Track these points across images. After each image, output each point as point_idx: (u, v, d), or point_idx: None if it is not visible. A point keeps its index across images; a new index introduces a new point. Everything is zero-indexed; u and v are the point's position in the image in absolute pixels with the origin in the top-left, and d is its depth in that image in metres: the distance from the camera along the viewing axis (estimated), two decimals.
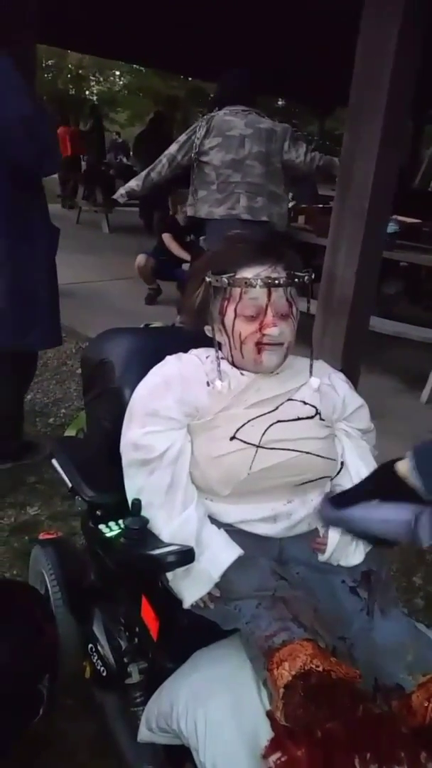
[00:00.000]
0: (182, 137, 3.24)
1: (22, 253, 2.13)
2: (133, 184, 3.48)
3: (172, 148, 3.26)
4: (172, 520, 1.05)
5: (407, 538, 0.85)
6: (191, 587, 1.02)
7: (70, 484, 1.28)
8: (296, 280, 1.10)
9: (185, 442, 1.10)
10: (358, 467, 1.16)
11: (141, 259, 4.95)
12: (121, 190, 3.62)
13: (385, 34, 2.16)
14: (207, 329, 1.17)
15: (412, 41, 2.20)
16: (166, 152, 3.28)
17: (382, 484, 0.90)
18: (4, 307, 2.12)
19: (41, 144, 2.00)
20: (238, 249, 1.14)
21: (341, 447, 1.19)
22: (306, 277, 1.11)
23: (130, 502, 1.05)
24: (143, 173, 3.41)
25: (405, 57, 2.19)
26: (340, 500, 0.94)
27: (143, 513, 1.04)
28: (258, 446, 1.07)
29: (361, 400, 1.26)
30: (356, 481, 1.13)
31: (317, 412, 1.14)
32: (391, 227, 3.82)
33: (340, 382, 1.24)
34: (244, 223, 3.15)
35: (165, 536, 1.03)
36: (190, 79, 15.24)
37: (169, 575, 1.03)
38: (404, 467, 0.86)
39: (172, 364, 1.16)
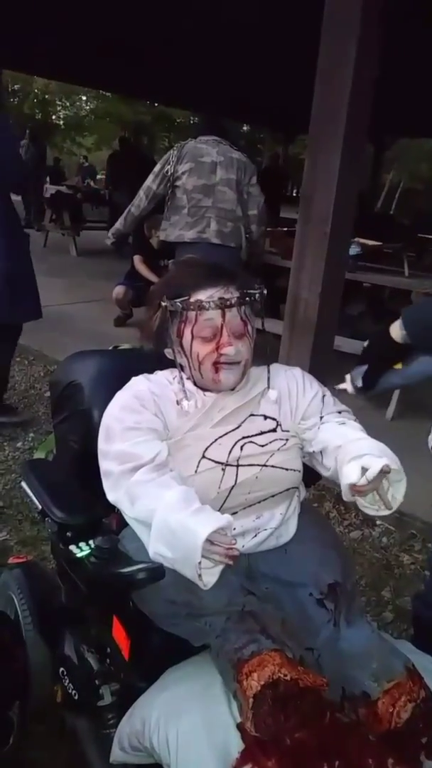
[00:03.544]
0: (156, 167, 3.32)
1: (12, 247, 2.80)
2: (118, 224, 3.58)
3: (148, 180, 3.33)
4: (170, 488, 0.97)
5: None
6: (206, 520, 0.91)
7: (39, 506, 1.29)
8: (248, 298, 1.14)
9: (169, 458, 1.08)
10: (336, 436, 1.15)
11: (119, 290, 4.91)
12: (109, 234, 3.72)
13: (342, 62, 2.25)
14: (167, 352, 1.20)
15: (369, 69, 2.29)
16: (143, 186, 3.35)
17: (388, 350, 1.22)
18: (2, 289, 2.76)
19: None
20: (191, 272, 1.17)
21: (321, 446, 1.18)
22: (257, 295, 1.15)
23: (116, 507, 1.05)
24: (125, 212, 3.50)
25: (362, 85, 2.28)
26: (368, 381, 1.27)
27: (132, 506, 1.00)
28: (225, 464, 1.10)
29: (317, 388, 1.25)
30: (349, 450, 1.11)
31: (278, 424, 1.18)
32: (354, 250, 3.93)
33: (293, 379, 1.25)
34: (214, 247, 3.21)
35: (167, 499, 0.95)
36: (156, 104, 15.48)
37: (175, 515, 0.93)
38: (396, 332, 1.20)
39: (141, 383, 1.17)
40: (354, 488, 1.03)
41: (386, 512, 1.09)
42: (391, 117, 5.89)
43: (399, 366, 1.25)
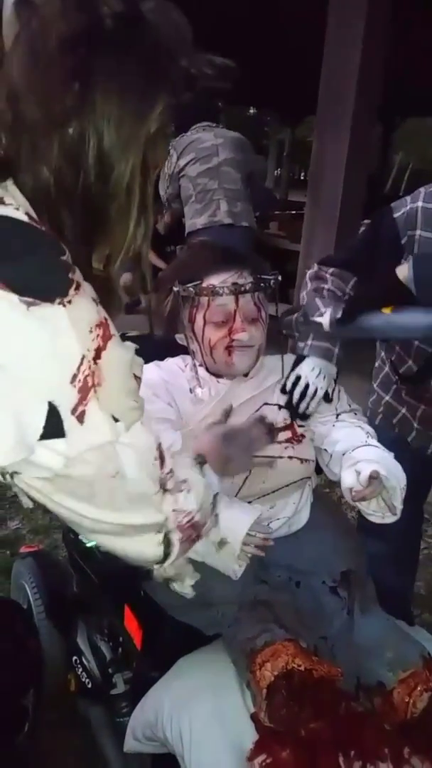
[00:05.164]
0: (160, 175, 3.29)
1: None
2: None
3: (161, 191, 3.31)
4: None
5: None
6: (242, 514, 0.91)
7: None
8: (263, 284, 1.10)
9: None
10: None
11: (127, 278, 4.91)
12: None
13: (350, 44, 2.21)
14: (179, 337, 1.17)
15: (377, 50, 2.25)
16: (162, 197, 3.33)
17: (386, 290, 1.11)
18: None
19: None
20: (204, 257, 1.14)
21: (331, 448, 1.17)
22: (272, 281, 1.12)
23: None
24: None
25: (370, 67, 2.24)
26: (351, 311, 1.14)
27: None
28: None
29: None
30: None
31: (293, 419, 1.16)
32: None
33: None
34: (227, 228, 3.17)
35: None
36: None
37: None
38: (403, 273, 1.09)
39: (152, 371, 1.14)
40: (353, 493, 1.02)
41: (392, 518, 1.07)
42: (400, 96, 5.77)
43: (388, 310, 1.13)
